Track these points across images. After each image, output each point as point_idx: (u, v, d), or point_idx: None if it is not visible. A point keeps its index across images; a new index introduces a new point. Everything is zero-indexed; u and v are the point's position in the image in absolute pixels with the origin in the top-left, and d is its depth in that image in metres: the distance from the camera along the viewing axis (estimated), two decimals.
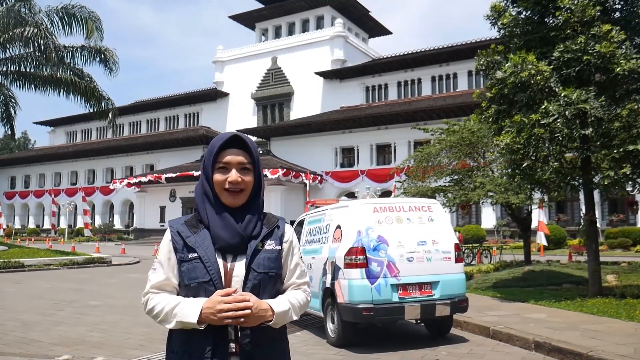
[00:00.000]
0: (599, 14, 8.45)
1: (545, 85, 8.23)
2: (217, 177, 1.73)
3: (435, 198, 12.87)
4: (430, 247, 6.66)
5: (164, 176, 38.30)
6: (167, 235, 1.77)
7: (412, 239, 6.63)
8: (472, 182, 13.89)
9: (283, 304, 1.72)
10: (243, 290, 1.67)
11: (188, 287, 1.70)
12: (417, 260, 6.54)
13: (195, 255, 1.69)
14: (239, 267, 1.70)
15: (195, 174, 35.70)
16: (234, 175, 1.72)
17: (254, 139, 43.04)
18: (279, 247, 1.78)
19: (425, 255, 6.59)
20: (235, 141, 1.76)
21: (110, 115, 22.19)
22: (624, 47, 8.19)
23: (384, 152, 37.03)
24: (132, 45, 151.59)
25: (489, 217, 30.98)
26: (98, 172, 50.15)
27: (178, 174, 37.49)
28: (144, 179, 40.21)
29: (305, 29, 45.62)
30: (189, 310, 1.60)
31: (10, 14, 19.71)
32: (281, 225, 1.82)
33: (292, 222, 11.26)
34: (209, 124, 46.23)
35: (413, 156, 16.58)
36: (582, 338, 6.15)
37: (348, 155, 38.44)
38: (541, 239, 16.48)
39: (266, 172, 33.09)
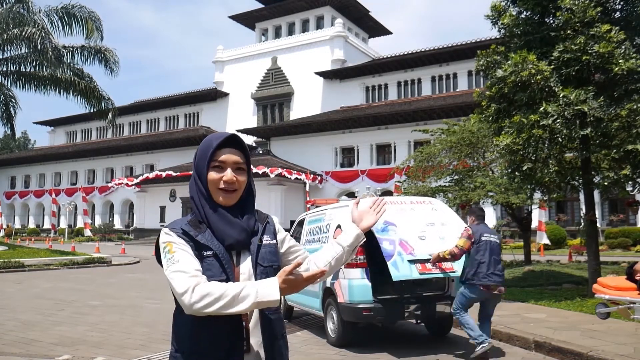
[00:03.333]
0: (599, 14, 8.45)
1: (545, 85, 8.23)
2: (212, 175, 1.72)
3: (435, 198, 12.87)
4: (440, 227, 6.53)
5: (163, 174, 38.31)
6: (172, 233, 1.69)
7: (420, 221, 6.51)
8: (472, 182, 13.88)
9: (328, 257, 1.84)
10: None
11: None
12: (430, 239, 6.31)
13: (210, 253, 1.67)
14: (245, 264, 1.72)
15: None
16: (229, 174, 1.72)
17: (254, 138, 43.09)
18: (274, 241, 1.82)
19: (437, 234, 6.42)
20: (231, 141, 1.77)
21: (110, 115, 22.18)
22: (623, 47, 8.19)
23: (384, 152, 37.02)
24: (133, 45, 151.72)
25: (489, 217, 30.92)
26: (98, 172, 50.13)
27: (178, 173, 37.50)
28: (142, 176, 40.25)
29: (305, 29, 45.60)
30: (268, 290, 1.56)
31: (9, 14, 19.72)
32: (271, 221, 1.87)
33: (292, 222, 11.29)
34: (209, 124, 46.22)
35: (413, 156, 16.59)
36: (582, 338, 6.15)
37: (348, 155, 38.44)
38: (542, 239, 16.49)
39: (266, 170, 33.13)
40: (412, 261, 6.05)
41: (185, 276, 1.57)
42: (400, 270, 5.94)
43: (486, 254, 5.84)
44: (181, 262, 1.61)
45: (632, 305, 4.14)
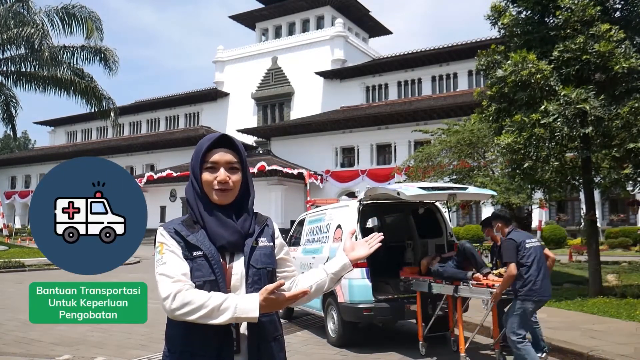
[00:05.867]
0: (599, 13, 8.45)
1: (545, 84, 8.23)
2: (206, 176, 1.74)
3: None
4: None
5: (164, 172, 38.40)
6: (165, 233, 1.72)
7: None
8: (472, 182, 13.88)
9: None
10: (246, 285, 1.70)
11: None
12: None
13: (200, 253, 1.69)
14: (238, 265, 1.72)
15: None
16: (222, 174, 1.73)
17: (254, 138, 43.08)
18: (271, 244, 1.82)
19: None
20: (223, 141, 1.78)
21: (112, 114, 22.23)
22: (623, 46, 8.19)
23: (384, 151, 37.01)
24: (133, 45, 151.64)
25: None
26: None
27: (179, 173, 37.52)
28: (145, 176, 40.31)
29: (305, 28, 45.58)
30: (248, 306, 1.58)
31: (9, 14, 19.75)
32: (270, 224, 1.87)
33: (292, 222, 11.34)
34: (209, 124, 46.19)
35: (413, 156, 16.60)
36: (582, 338, 6.15)
37: (348, 155, 38.43)
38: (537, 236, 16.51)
39: (265, 165, 33.14)
40: (420, 188, 6.05)
41: (169, 281, 1.61)
42: (411, 191, 5.91)
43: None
44: (168, 265, 1.65)
45: (412, 281, 6.25)
